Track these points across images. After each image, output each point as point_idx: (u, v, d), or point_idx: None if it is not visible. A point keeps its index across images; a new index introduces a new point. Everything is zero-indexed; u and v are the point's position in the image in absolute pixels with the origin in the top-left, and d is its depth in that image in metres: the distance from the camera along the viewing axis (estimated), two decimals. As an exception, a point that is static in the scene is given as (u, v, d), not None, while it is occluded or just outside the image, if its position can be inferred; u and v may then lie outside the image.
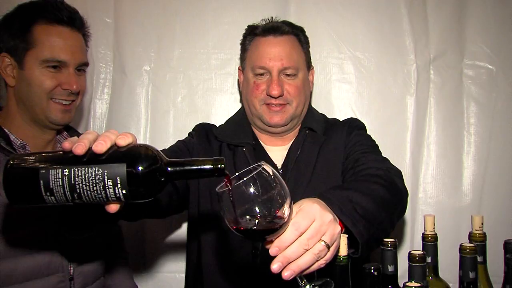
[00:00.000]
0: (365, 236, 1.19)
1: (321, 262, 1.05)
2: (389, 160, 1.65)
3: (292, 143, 1.80)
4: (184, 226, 2.21)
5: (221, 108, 2.27)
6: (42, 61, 1.55)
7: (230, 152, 1.78)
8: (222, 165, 0.97)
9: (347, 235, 1.16)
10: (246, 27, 1.88)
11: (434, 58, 2.21)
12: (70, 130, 1.77)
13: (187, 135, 1.91)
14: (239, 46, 2.21)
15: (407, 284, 0.97)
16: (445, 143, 2.21)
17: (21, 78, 1.56)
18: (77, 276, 1.61)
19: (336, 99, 2.27)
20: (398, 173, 1.53)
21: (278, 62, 1.72)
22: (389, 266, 1.18)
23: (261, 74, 1.75)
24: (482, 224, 1.31)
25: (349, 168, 1.63)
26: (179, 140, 1.87)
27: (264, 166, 0.99)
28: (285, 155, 1.78)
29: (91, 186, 0.93)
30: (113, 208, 0.98)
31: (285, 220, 0.99)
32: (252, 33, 1.82)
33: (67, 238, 1.56)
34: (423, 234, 1.32)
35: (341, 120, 1.95)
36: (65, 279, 1.57)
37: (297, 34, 1.81)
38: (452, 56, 2.21)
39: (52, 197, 0.94)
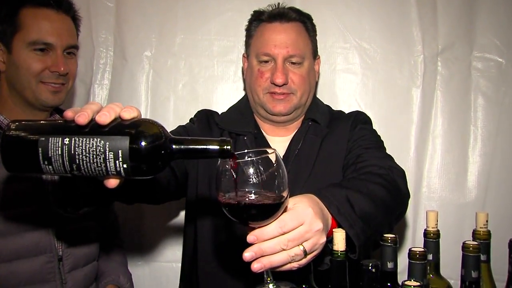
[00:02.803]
0: (362, 239, 1.16)
1: (294, 265, 1.04)
2: (392, 158, 1.60)
3: (295, 134, 1.75)
4: (182, 214, 2.18)
5: (223, 96, 2.23)
6: (29, 44, 1.54)
7: (232, 140, 1.73)
8: (229, 147, 0.94)
9: (344, 231, 1.12)
10: (252, 13, 1.82)
11: (442, 50, 2.15)
12: (62, 113, 1.74)
13: (188, 121, 1.87)
14: (243, 33, 2.16)
15: (406, 282, 0.92)
16: (451, 137, 2.15)
17: (10, 62, 1.56)
18: (66, 258, 1.59)
19: (341, 89, 2.22)
20: (401, 173, 1.48)
21: (284, 49, 1.67)
22: (388, 263, 1.14)
23: (266, 62, 1.70)
24: (487, 221, 1.26)
25: (351, 163, 1.58)
26: (179, 125, 1.83)
27: (272, 153, 0.97)
28: (287, 146, 1.73)
29: (91, 157, 0.89)
30: (112, 183, 0.95)
31: (276, 212, 0.97)
32: (258, 19, 1.76)
33: (59, 218, 1.55)
34: (425, 230, 1.28)
35: (346, 112, 1.90)
36: (54, 259, 1.55)
37: (304, 21, 1.75)
38: (460, 48, 2.15)
39: (50, 167, 0.91)
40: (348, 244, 1.12)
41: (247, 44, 1.81)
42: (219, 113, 1.89)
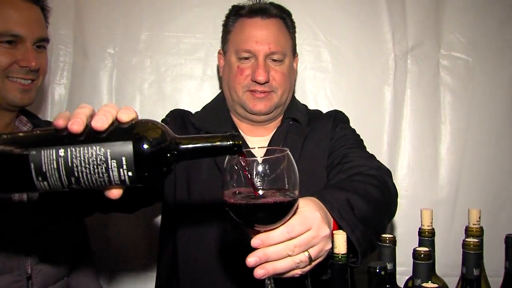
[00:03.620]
0: (363, 244, 1.13)
1: (297, 272, 0.98)
2: (375, 157, 1.59)
3: (274, 134, 1.69)
4: (154, 221, 2.08)
5: (191, 96, 2.15)
6: None
7: None
8: (240, 142, 0.86)
9: (345, 233, 1.07)
10: (230, 7, 1.74)
11: (411, 48, 2.16)
12: (29, 116, 1.59)
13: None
14: (211, 30, 2.11)
15: (424, 284, 0.89)
16: (422, 134, 2.16)
17: None
18: (36, 276, 1.43)
19: (312, 88, 2.18)
20: (389, 173, 1.48)
21: (265, 46, 1.60)
22: (387, 264, 1.10)
23: (246, 58, 1.62)
24: (480, 218, 1.25)
25: (336, 163, 1.54)
26: None
27: (285, 152, 0.91)
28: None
29: (91, 168, 0.80)
30: (115, 193, 0.86)
31: (286, 215, 0.91)
32: (237, 14, 1.69)
33: (28, 234, 1.41)
34: (419, 229, 1.26)
35: (323, 111, 1.87)
36: (22, 278, 1.40)
37: (284, 17, 1.69)
38: (429, 46, 2.17)
39: (45, 183, 0.81)
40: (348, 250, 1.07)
41: (225, 40, 1.73)
42: (193, 113, 1.80)
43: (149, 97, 2.12)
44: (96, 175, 0.81)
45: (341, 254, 1.06)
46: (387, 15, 2.14)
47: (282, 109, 1.71)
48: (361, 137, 1.76)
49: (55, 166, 0.80)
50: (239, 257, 1.39)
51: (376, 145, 2.13)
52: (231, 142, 0.86)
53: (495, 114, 2.14)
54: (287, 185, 0.90)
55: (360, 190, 1.24)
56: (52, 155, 0.80)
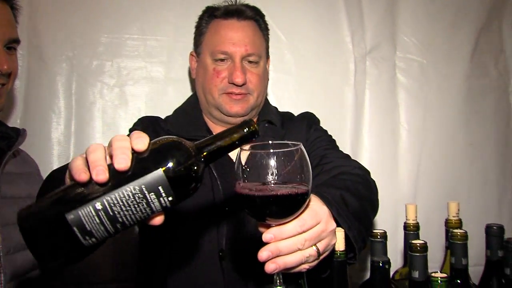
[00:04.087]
0: (359, 240, 1.15)
1: (305, 267, 0.99)
2: (350, 157, 1.63)
3: None
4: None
5: (154, 100, 2.10)
6: None
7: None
8: (255, 126, 0.88)
9: (343, 230, 1.09)
10: (204, 8, 1.72)
11: (369, 51, 2.23)
12: None
13: (129, 132, 1.70)
14: (173, 32, 2.09)
15: (433, 274, 0.92)
16: (382, 134, 2.23)
17: None
18: (6, 267, 1.37)
19: (276, 89, 2.20)
20: (368, 172, 1.52)
21: (242, 47, 1.59)
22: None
23: (222, 60, 1.60)
24: (459, 210, 1.32)
25: (315, 164, 1.55)
26: None
27: (299, 146, 0.90)
28: None
29: (133, 208, 0.80)
30: (158, 220, 0.86)
31: (300, 208, 0.91)
32: (212, 15, 1.66)
33: None
34: (405, 223, 1.30)
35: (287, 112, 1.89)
36: None
37: (258, 20, 1.69)
38: (386, 49, 2.25)
39: (93, 239, 0.81)
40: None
41: (198, 42, 1.70)
42: (163, 118, 1.76)
43: (110, 101, 2.06)
44: (139, 212, 0.81)
45: (340, 251, 1.08)
46: (346, 19, 2.20)
47: (257, 111, 1.71)
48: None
49: (97, 221, 0.79)
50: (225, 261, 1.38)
51: (339, 144, 2.13)
52: (246, 130, 0.88)
53: (449, 112, 2.25)
54: (300, 179, 0.90)
55: (351, 188, 1.26)
56: (91, 212, 0.79)
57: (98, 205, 0.79)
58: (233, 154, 1.56)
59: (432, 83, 2.25)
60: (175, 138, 0.86)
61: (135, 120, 2.04)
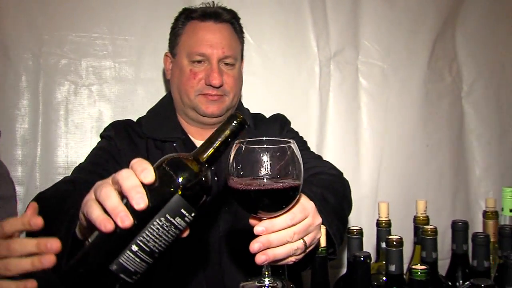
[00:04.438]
0: (338, 237, 1.22)
1: (292, 259, 1.04)
2: (322, 157, 1.72)
3: None
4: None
5: (122, 100, 2.10)
6: None
7: (158, 151, 1.62)
8: (241, 117, 0.93)
9: (325, 227, 1.15)
10: (181, 10, 1.73)
11: (334, 55, 2.31)
12: None
13: (101, 138, 1.70)
14: (142, 32, 2.09)
15: (414, 266, 0.99)
16: (344, 135, 2.32)
17: None
18: None
19: (243, 90, 2.23)
20: (341, 173, 1.62)
21: (220, 50, 1.62)
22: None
23: (199, 62, 1.63)
24: (426, 208, 1.41)
25: None
26: (96, 148, 1.65)
27: (292, 143, 0.96)
28: None
29: (164, 237, 0.86)
30: (186, 233, 0.92)
31: (291, 202, 0.97)
32: (188, 17, 1.68)
33: None
34: (377, 220, 1.38)
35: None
36: None
37: (234, 23, 1.73)
38: (349, 53, 2.34)
39: (138, 275, 0.86)
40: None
41: (174, 43, 1.71)
42: (135, 120, 1.76)
43: (78, 101, 2.04)
44: (170, 236, 0.86)
45: (322, 247, 1.13)
46: (311, 24, 2.28)
47: (231, 112, 1.75)
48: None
49: (138, 260, 0.84)
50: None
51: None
52: (235, 123, 0.93)
53: (408, 115, 2.37)
54: (292, 174, 0.94)
55: (329, 186, 1.33)
56: (130, 255, 0.84)
57: (134, 247, 0.83)
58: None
59: (392, 87, 2.36)
60: (175, 156, 0.90)
61: (103, 119, 2.06)
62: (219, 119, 1.69)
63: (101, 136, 1.71)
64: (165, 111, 1.74)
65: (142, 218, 0.83)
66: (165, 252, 0.88)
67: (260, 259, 0.97)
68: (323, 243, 1.14)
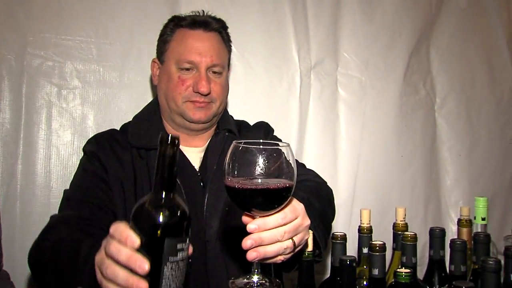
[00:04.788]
0: (322, 240, 1.28)
1: (280, 258, 1.09)
2: (306, 166, 1.79)
3: (210, 144, 1.74)
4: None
5: (105, 103, 2.10)
6: None
7: (143, 160, 1.63)
8: (168, 134, 0.97)
9: (312, 231, 1.20)
10: (170, 17, 1.75)
11: (314, 65, 2.38)
12: None
13: (84, 153, 1.68)
14: (127, 37, 2.10)
15: (398, 270, 1.05)
16: (323, 144, 2.39)
17: None
18: None
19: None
20: (326, 182, 1.70)
21: (208, 58, 1.65)
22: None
23: (187, 69, 1.65)
24: (405, 215, 1.47)
25: None
26: (83, 170, 1.63)
27: (287, 146, 1.01)
28: (202, 157, 1.71)
29: (178, 272, 0.92)
30: (191, 251, 0.98)
31: (284, 201, 1.03)
32: (178, 24, 1.70)
33: None
34: (359, 226, 1.44)
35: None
36: None
37: (222, 32, 1.76)
38: (328, 64, 2.41)
39: None
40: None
41: (162, 49, 1.73)
42: (119, 128, 1.77)
43: (62, 104, 2.04)
44: (183, 267, 0.92)
45: (308, 251, 1.18)
46: (293, 35, 2.34)
47: (217, 119, 1.78)
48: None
49: None
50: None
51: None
52: (169, 143, 0.96)
53: (384, 125, 2.46)
54: (285, 175, 1.00)
55: (314, 192, 1.39)
56: None
57: None
58: (193, 160, 1.63)
59: (369, 98, 2.45)
60: (139, 206, 0.95)
61: (87, 123, 2.06)
62: (205, 125, 1.72)
63: (85, 151, 1.69)
64: (150, 118, 1.75)
65: (154, 275, 0.89)
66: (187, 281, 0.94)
67: (251, 255, 1.02)
68: (310, 247, 1.18)
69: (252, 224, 1.02)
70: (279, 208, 1.03)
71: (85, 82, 2.07)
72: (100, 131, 2.01)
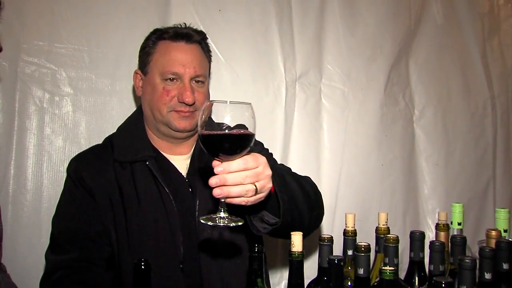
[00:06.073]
0: (287, 212, 1.41)
1: (244, 200, 1.26)
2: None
3: (194, 151, 1.81)
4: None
5: (96, 111, 2.15)
6: None
7: (127, 172, 1.70)
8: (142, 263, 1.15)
9: (301, 233, 1.28)
10: (152, 30, 1.81)
11: (299, 76, 2.47)
12: None
13: (68, 175, 1.74)
14: (117, 46, 2.17)
15: (383, 268, 1.13)
16: (307, 152, 2.48)
17: None
18: None
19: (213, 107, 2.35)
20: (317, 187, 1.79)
21: (192, 69, 1.71)
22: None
23: (171, 80, 1.71)
24: (387, 220, 1.56)
25: None
26: (71, 202, 1.70)
27: (249, 105, 1.22)
28: (189, 163, 1.78)
29: None
30: None
31: (245, 147, 1.22)
32: (160, 37, 1.76)
33: None
34: (344, 230, 1.52)
35: None
36: None
37: (202, 43, 1.82)
38: (313, 75, 2.51)
39: None
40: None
41: (145, 61, 1.77)
42: (102, 141, 1.83)
43: (54, 111, 2.08)
44: None
45: (298, 252, 1.26)
46: (279, 47, 2.43)
47: None
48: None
49: None
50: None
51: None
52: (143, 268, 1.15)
53: (365, 135, 2.56)
54: (247, 127, 1.20)
55: (295, 176, 1.64)
56: None
57: None
58: (180, 167, 1.70)
59: (351, 108, 2.55)
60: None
61: (79, 129, 2.11)
62: (189, 133, 1.78)
63: (68, 173, 1.74)
64: (134, 129, 1.80)
65: None
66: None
67: (216, 192, 1.20)
68: (300, 248, 1.26)
69: (218, 167, 1.20)
70: (242, 154, 1.21)
71: (77, 89, 2.11)
72: (92, 137, 2.10)
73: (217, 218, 1.23)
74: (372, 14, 2.60)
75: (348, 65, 2.56)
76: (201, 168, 1.73)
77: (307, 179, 1.70)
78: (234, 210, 1.27)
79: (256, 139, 2.08)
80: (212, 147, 1.21)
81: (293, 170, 2.39)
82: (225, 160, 1.21)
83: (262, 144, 1.97)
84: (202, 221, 1.24)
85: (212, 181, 1.19)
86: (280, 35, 2.43)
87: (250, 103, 1.22)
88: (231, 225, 1.23)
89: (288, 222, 1.43)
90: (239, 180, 1.22)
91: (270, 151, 2.00)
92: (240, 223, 1.24)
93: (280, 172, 1.49)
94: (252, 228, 1.47)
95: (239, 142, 1.19)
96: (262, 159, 1.28)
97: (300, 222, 1.51)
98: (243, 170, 1.22)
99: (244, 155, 1.22)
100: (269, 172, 1.30)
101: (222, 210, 1.24)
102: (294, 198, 1.49)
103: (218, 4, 2.34)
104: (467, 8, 2.83)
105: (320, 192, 1.72)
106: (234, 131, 1.17)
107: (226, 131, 1.17)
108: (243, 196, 1.24)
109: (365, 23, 2.60)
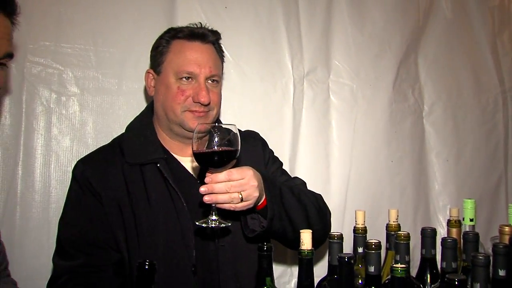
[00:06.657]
0: (275, 215, 1.58)
1: (232, 206, 1.47)
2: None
3: None
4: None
5: (103, 110, 2.15)
6: None
7: (136, 174, 1.69)
8: (146, 263, 1.14)
9: (311, 231, 1.26)
10: (166, 29, 1.79)
11: (307, 73, 2.46)
12: None
13: (74, 178, 1.71)
14: (123, 46, 2.16)
15: (394, 265, 1.11)
16: (316, 150, 2.46)
17: None
18: None
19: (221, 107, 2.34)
20: (327, 208, 1.89)
21: (207, 69, 1.70)
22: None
23: (186, 79, 1.70)
24: (398, 216, 1.54)
25: None
26: (78, 206, 1.68)
27: (234, 126, 1.46)
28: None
29: None
30: None
31: (229, 161, 1.46)
32: (174, 36, 1.74)
33: None
34: (354, 227, 1.50)
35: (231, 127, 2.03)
36: None
37: (215, 43, 1.81)
38: (321, 73, 2.49)
39: None
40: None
41: (158, 61, 1.75)
42: (109, 142, 1.82)
43: (61, 111, 2.08)
44: None
45: (308, 250, 1.24)
46: (287, 44, 2.42)
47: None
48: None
49: None
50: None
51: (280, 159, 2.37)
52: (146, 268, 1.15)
53: (374, 131, 2.54)
54: (230, 145, 1.44)
55: (294, 189, 1.71)
56: None
57: None
58: (190, 169, 1.71)
59: (360, 105, 2.53)
60: None
61: (86, 129, 2.10)
62: (203, 134, 1.76)
63: (74, 176, 1.71)
64: (144, 131, 1.78)
65: None
66: None
67: (205, 198, 1.43)
68: (309, 246, 1.24)
69: (207, 177, 1.44)
70: (228, 166, 1.44)
71: (84, 89, 2.11)
72: (99, 136, 2.10)
73: (209, 221, 1.46)
74: (380, 10, 2.58)
75: (356, 62, 2.54)
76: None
77: (314, 196, 1.83)
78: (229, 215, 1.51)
79: (264, 138, 2.14)
80: (202, 162, 1.49)
81: (303, 169, 2.43)
82: (214, 172, 1.45)
83: (272, 152, 2.03)
84: (196, 223, 1.46)
85: (202, 189, 1.43)
86: (287, 33, 2.42)
87: (234, 124, 1.47)
88: (221, 226, 1.46)
89: (279, 231, 1.63)
90: (224, 189, 1.44)
91: (280, 160, 2.05)
92: (228, 224, 1.48)
93: (278, 185, 1.68)
94: (245, 229, 1.63)
95: (222, 157, 1.44)
96: (249, 172, 1.49)
97: (294, 233, 1.58)
98: (228, 181, 1.44)
99: (230, 167, 1.46)
100: (254, 183, 1.49)
101: (213, 214, 1.47)
102: (286, 209, 1.63)
103: (224, 1, 2.33)
104: (476, 1, 2.80)
105: (327, 210, 1.83)
106: (220, 148, 1.42)
107: (215, 147, 1.43)
108: (230, 203, 1.46)
109: (373, 19, 2.57)
